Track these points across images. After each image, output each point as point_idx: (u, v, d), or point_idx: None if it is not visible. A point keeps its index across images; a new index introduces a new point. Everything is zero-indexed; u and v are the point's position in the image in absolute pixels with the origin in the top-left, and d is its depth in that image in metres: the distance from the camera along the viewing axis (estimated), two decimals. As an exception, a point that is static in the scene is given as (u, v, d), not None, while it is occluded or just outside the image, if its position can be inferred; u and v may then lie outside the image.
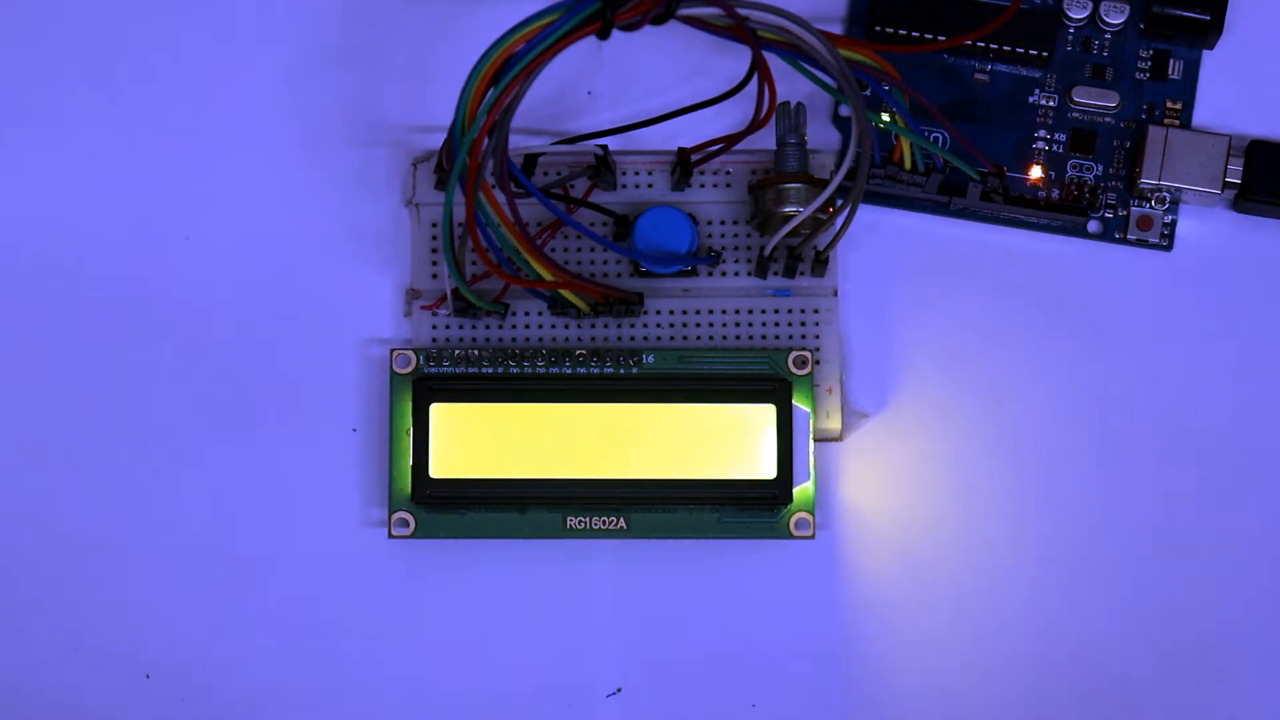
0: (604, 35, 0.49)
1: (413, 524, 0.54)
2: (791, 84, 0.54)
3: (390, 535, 0.54)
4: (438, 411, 0.54)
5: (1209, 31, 0.56)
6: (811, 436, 0.54)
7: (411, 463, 0.54)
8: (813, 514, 0.54)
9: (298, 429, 0.57)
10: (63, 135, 0.58)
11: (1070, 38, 0.57)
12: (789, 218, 0.53)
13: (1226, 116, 0.57)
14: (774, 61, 0.51)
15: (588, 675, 0.56)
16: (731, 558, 0.56)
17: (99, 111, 0.58)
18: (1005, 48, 0.56)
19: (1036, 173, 0.56)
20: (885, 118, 0.54)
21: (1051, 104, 0.57)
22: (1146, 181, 0.56)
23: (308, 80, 0.57)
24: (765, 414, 0.54)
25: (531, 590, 0.56)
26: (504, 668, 0.56)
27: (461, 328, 0.56)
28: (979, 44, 0.56)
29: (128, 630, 0.56)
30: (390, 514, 0.54)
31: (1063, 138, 0.57)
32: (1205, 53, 0.57)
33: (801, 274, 0.56)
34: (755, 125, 0.53)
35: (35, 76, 0.58)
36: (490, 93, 0.49)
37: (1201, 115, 0.57)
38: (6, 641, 0.57)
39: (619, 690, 0.56)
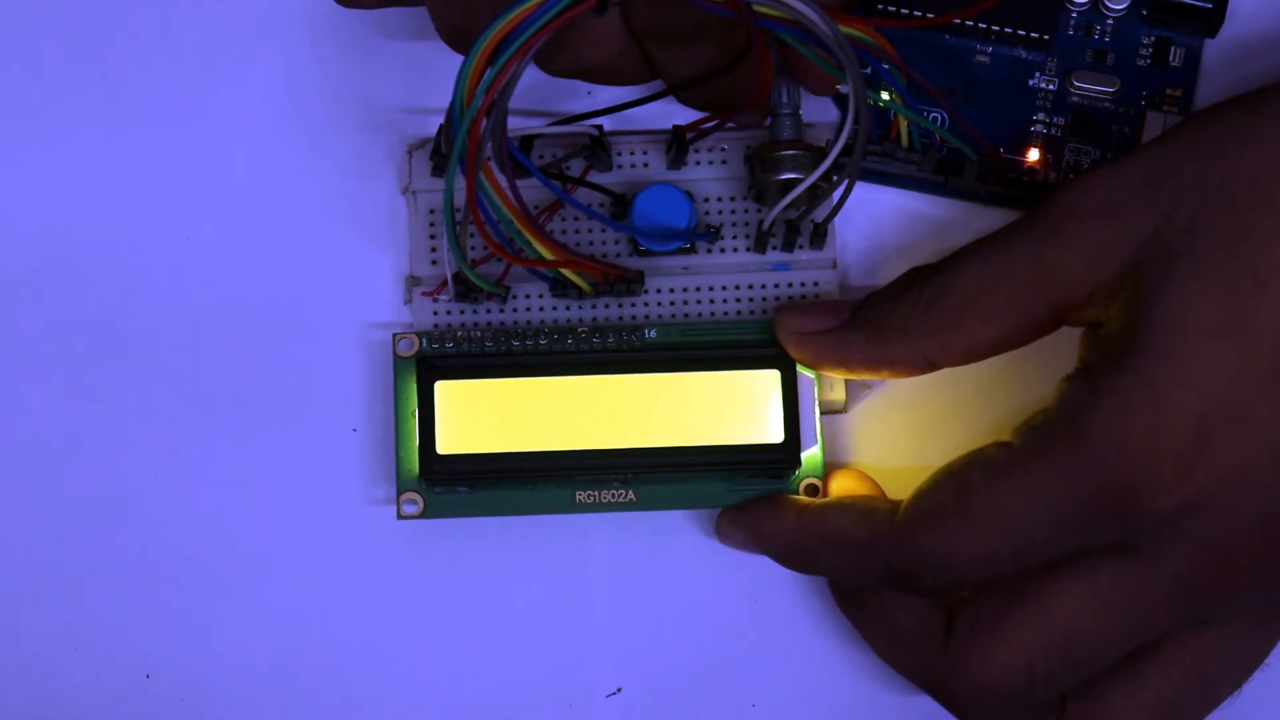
0: (601, 11, 0.49)
1: (421, 504, 0.54)
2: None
3: (399, 516, 0.54)
4: (442, 389, 0.54)
5: (1211, 20, 0.56)
6: (816, 402, 0.55)
7: (418, 441, 0.54)
8: (822, 479, 0.55)
9: (301, 421, 0.57)
10: (62, 134, 0.58)
11: (1072, 22, 0.57)
12: (788, 185, 0.53)
13: None
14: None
15: (588, 675, 0.57)
16: (732, 557, 0.56)
17: (98, 109, 0.58)
18: (1007, 30, 0.57)
19: (1034, 155, 0.57)
20: (885, 96, 0.54)
21: (1051, 87, 0.57)
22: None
23: (306, 69, 0.58)
24: (770, 379, 0.54)
25: (531, 592, 0.57)
26: (504, 669, 0.57)
27: (463, 313, 0.56)
28: (980, 25, 0.57)
29: (128, 630, 0.57)
30: (399, 495, 0.54)
31: (1062, 121, 0.57)
32: (1207, 41, 0.57)
33: (800, 247, 0.56)
34: (754, 100, 0.53)
35: (35, 75, 0.58)
36: (488, 72, 0.50)
37: (1202, 103, 0.57)
38: (6, 641, 0.57)
39: (619, 690, 0.57)
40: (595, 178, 0.56)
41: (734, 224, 0.56)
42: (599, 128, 0.55)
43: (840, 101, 0.57)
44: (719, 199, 0.56)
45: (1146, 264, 0.49)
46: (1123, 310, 0.49)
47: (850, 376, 0.54)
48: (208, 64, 0.58)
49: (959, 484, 0.50)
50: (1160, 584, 0.49)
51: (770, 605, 0.57)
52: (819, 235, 0.55)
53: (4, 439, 0.57)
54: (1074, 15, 0.57)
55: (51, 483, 0.57)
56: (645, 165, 0.56)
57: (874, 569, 0.52)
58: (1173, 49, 0.57)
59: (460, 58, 0.50)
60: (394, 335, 0.55)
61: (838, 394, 0.56)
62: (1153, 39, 0.57)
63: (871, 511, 0.52)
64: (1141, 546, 0.49)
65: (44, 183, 0.58)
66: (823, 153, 0.54)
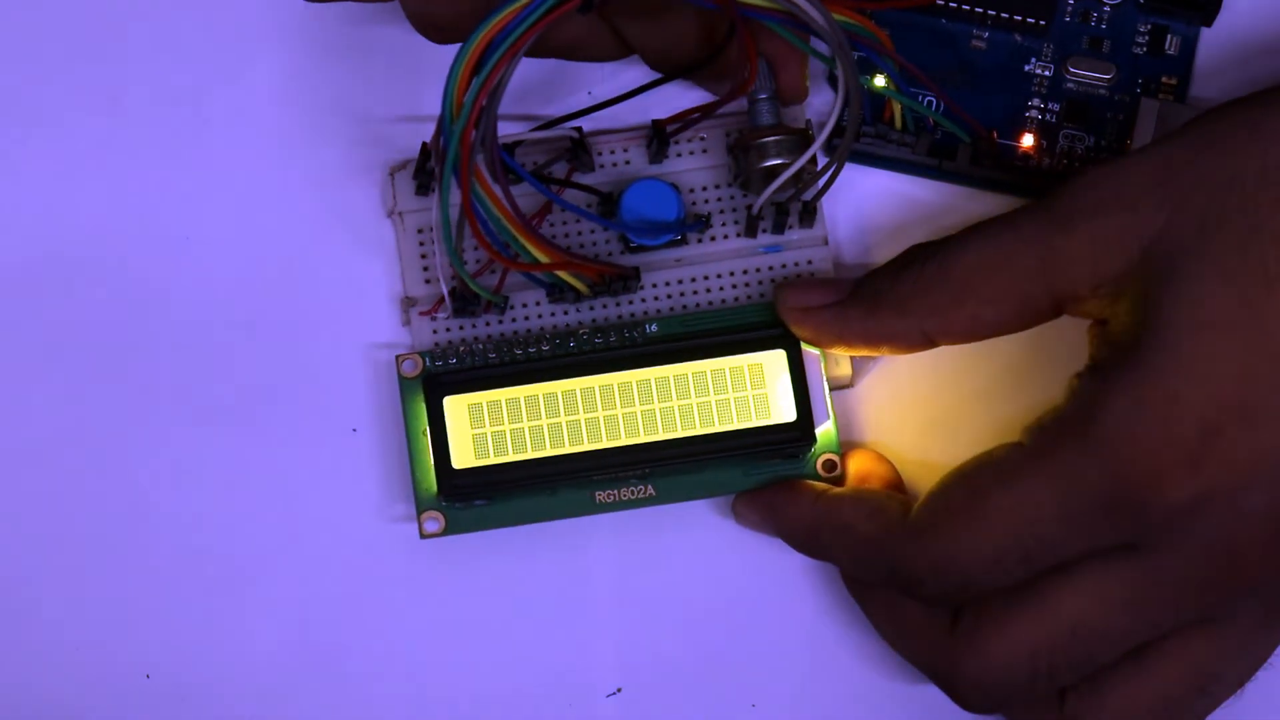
0: (585, 10, 0.49)
1: (443, 521, 0.54)
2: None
3: (422, 535, 0.54)
4: (451, 404, 0.54)
5: (1208, 8, 0.57)
6: (825, 378, 0.55)
7: (433, 459, 0.54)
8: (838, 454, 0.55)
9: (302, 433, 0.57)
10: (62, 136, 0.57)
11: (1069, 8, 0.57)
12: (774, 172, 0.54)
13: (1222, 94, 0.57)
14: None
15: (588, 675, 0.57)
16: (733, 555, 0.57)
17: (98, 112, 0.58)
18: (1004, 15, 0.57)
19: (1028, 141, 0.57)
20: (879, 82, 0.55)
21: (1047, 73, 0.57)
22: (1130, 150, 0.56)
23: (304, 82, 0.58)
24: (777, 360, 0.54)
25: (530, 592, 0.57)
26: (504, 669, 0.57)
27: (462, 328, 0.56)
28: (977, 10, 0.57)
29: (128, 630, 0.56)
30: (419, 513, 0.54)
31: (1057, 107, 0.57)
32: (1203, 29, 0.57)
33: (790, 227, 0.56)
34: (738, 90, 0.53)
35: (35, 77, 0.58)
36: (475, 79, 0.50)
37: (1197, 93, 0.57)
38: (7, 641, 0.56)
39: (619, 690, 0.57)
40: (579, 179, 0.56)
41: (722, 211, 0.57)
42: (579, 129, 0.55)
43: (832, 82, 0.57)
44: (705, 188, 0.57)
45: (1156, 260, 0.49)
46: (1132, 307, 0.49)
47: (850, 352, 0.55)
48: (209, 73, 0.58)
49: (969, 488, 0.50)
50: (1166, 581, 0.50)
51: (771, 605, 0.57)
52: (808, 214, 0.56)
53: (5, 443, 0.57)
54: (1071, 2, 0.57)
55: (52, 487, 0.57)
56: (627, 163, 0.57)
57: (880, 568, 0.52)
58: (1169, 37, 0.57)
59: (437, 48, 0.50)
60: (397, 357, 0.55)
61: (844, 369, 0.56)
62: (1149, 27, 0.57)
63: (883, 511, 0.52)
64: (1149, 544, 0.49)
65: (43, 185, 0.57)
66: (803, 135, 0.54)
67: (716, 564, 0.57)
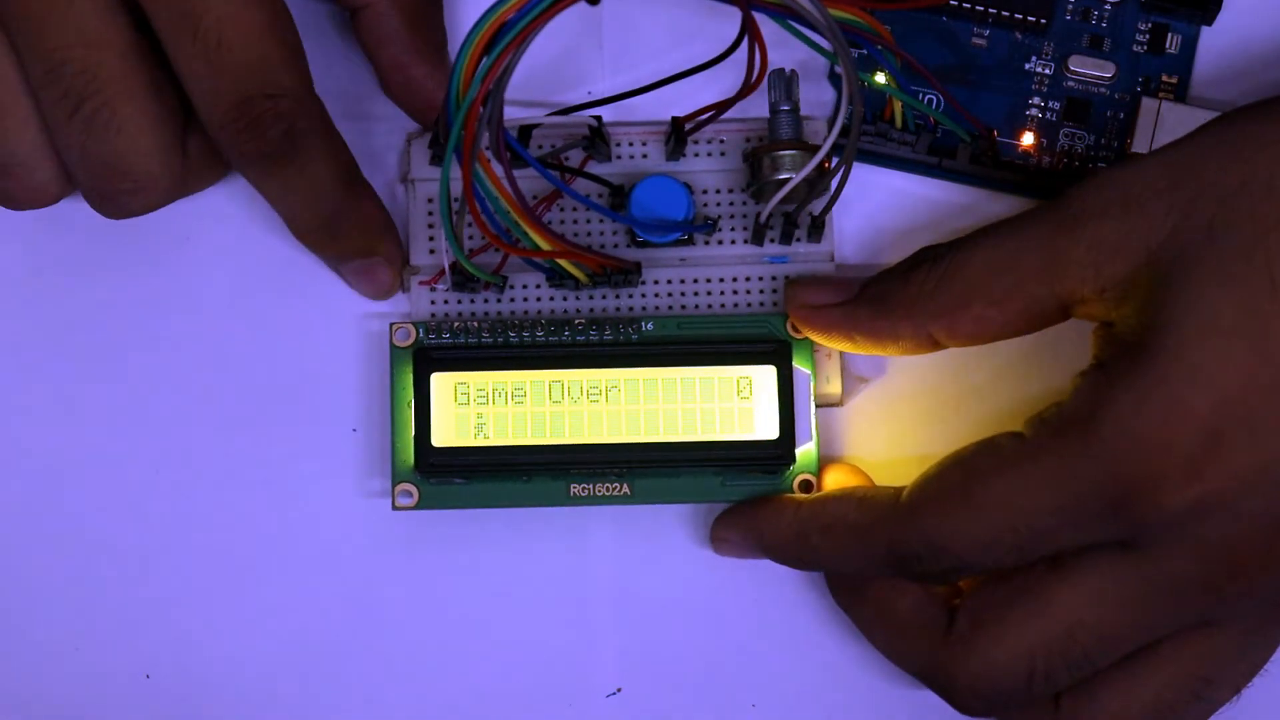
0: (593, 2, 0.49)
1: (416, 495, 0.54)
2: (785, 52, 0.54)
3: (395, 507, 0.54)
4: (439, 381, 0.54)
5: (1209, 7, 0.56)
6: (812, 398, 0.54)
7: (414, 434, 0.54)
8: (816, 475, 0.55)
9: (297, 413, 0.57)
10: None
11: (1070, 6, 0.57)
12: (784, 183, 0.53)
13: (1222, 93, 0.57)
14: (768, 31, 0.52)
15: (588, 675, 0.57)
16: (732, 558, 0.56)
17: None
18: (1004, 13, 0.57)
19: (1028, 139, 0.57)
20: (880, 79, 0.54)
21: (1047, 72, 0.57)
22: (1137, 153, 0.56)
23: (312, 65, 0.57)
24: (766, 375, 0.54)
25: (531, 592, 0.57)
26: (504, 668, 0.56)
27: (460, 302, 0.56)
28: (978, 8, 0.57)
29: (128, 630, 0.56)
30: (394, 485, 0.54)
31: (1057, 106, 0.57)
32: (1204, 29, 0.57)
33: (798, 240, 0.56)
34: (747, 89, 0.53)
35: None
36: (484, 62, 0.49)
37: (1197, 92, 0.57)
38: (7, 641, 0.57)
39: (619, 690, 0.56)
40: (593, 168, 0.56)
41: (732, 216, 0.56)
42: (598, 118, 0.55)
43: (837, 81, 0.57)
44: (717, 190, 0.56)
45: (1163, 263, 0.49)
46: (1139, 309, 0.49)
47: (857, 351, 0.54)
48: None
49: (966, 470, 0.50)
50: (1163, 584, 0.49)
51: (770, 605, 0.56)
52: (816, 228, 0.55)
53: (3, 437, 0.57)
54: (1072, 1, 0.57)
55: (49, 482, 0.57)
56: (644, 156, 0.56)
57: (874, 553, 0.52)
58: (1169, 36, 0.57)
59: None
60: (391, 325, 0.55)
61: (833, 388, 0.56)
62: (1149, 25, 0.57)
63: (872, 498, 0.52)
64: (1146, 545, 0.49)
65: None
66: (819, 150, 0.53)
67: (717, 564, 0.56)
